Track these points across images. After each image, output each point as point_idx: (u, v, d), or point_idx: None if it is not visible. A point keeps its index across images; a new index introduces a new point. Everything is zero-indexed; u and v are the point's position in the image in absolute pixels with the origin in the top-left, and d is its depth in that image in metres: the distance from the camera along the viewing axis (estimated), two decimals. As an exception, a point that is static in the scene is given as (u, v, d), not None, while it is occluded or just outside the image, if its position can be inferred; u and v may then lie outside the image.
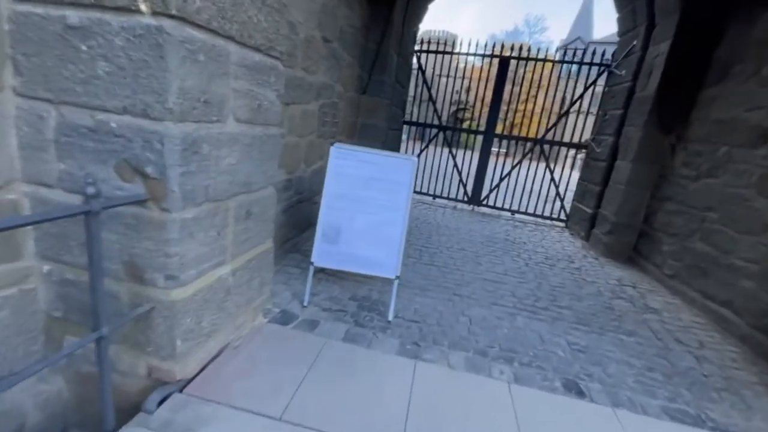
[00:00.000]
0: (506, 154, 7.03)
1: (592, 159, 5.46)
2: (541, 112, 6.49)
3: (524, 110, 6.44)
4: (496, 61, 6.10)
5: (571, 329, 2.73)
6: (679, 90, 3.96)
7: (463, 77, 7.35)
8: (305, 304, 2.46)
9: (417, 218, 5.38)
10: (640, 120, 4.29)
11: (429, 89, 6.41)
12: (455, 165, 6.55)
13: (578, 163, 6.51)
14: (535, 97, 6.22)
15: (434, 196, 6.85)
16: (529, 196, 6.47)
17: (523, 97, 6.45)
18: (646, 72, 4.38)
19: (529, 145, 6.29)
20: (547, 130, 6.03)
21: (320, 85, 3.30)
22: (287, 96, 2.73)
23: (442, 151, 6.77)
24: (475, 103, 6.86)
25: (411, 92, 6.73)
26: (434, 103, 6.53)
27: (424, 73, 6.42)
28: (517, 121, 7.20)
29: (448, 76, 7.19)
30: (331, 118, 3.72)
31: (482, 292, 3.15)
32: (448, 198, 6.78)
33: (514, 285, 3.39)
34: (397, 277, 2.46)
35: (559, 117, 5.87)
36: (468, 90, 8.40)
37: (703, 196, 3.54)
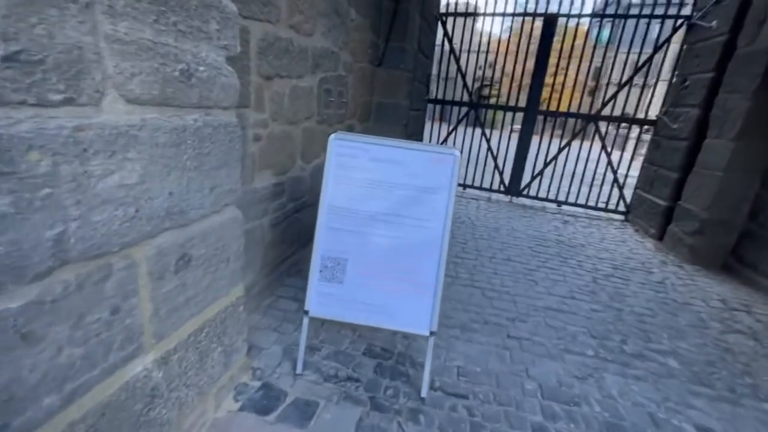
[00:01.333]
0: (542, 134, 5.94)
1: (666, 138, 4.39)
2: (588, 84, 5.37)
3: (564, 82, 5.31)
4: (533, 25, 5.04)
5: (688, 395, 1.85)
6: (814, 39, 2.87)
7: (487, 51, 6.15)
8: (299, 371, 1.69)
9: (447, 215, 4.50)
10: (748, 85, 3.22)
11: (458, 60, 5.42)
12: (489, 148, 5.58)
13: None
14: (578, 66, 5.13)
15: (464, 186, 5.94)
16: (580, 185, 5.45)
17: (559, 68, 5.31)
18: (755, 20, 3.27)
19: (580, 122, 5.24)
20: (604, 104, 4.95)
21: (318, 52, 2.44)
22: (267, 66, 1.90)
23: (473, 133, 5.79)
24: (504, 79, 5.78)
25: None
26: (464, 77, 5.54)
27: (451, 41, 5.41)
28: (546, 96, 6.13)
29: (469, 51, 6.06)
30: (337, 97, 2.87)
31: (546, 330, 2.29)
32: (480, 188, 5.84)
33: (586, 315, 2.51)
34: (433, 333, 1.64)
35: (621, 86, 4.77)
36: (492, 65, 7.18)
37: None
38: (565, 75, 5.22)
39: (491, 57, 5.78)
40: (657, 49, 4.54)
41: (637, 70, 4.65)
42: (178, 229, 1.10)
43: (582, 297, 2.76)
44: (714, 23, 3.83)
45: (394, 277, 1.65)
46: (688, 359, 2.15)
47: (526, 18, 5.11)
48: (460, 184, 5.94)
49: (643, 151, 5.10)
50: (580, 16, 4.85)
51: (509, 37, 6.96)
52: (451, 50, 5.41)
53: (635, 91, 4.91)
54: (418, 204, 1.65)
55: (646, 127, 4.89)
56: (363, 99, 3.55)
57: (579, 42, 5.16)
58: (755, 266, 3.22)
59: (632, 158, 5.01)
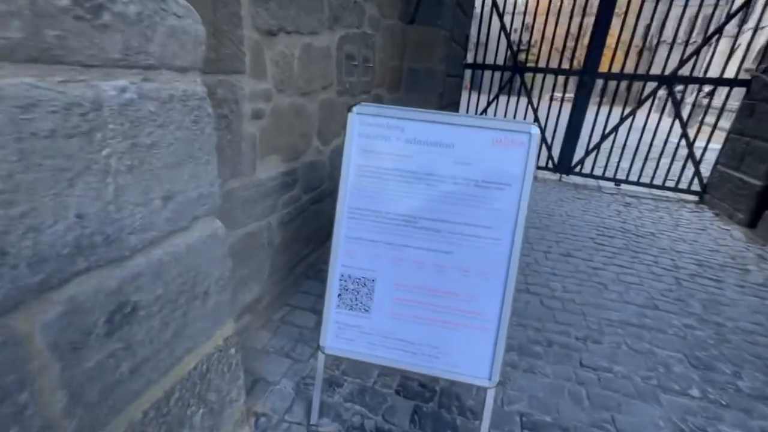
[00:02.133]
0: (600, 102, 5.14)
1: (763, 101, 3.57)
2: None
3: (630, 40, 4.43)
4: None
5: None
6: None
7: (535, 12, 5.26)
8: (314, 420, 1.31)
9: (487, 198, 3.96)
10: None
11: (501, 17, 4.68)
12: (536, 119, 4.89)
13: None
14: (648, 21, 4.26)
15: (505, 163, 5.30)
16: (645, 161, 4.68)
17: (625, 23, 4.43)
18: None
19: (651, 86, 4.43)
20: (682, 62, 4.10)
21: (337, 1, 1.92)
22: (267, 16, 1.43)
23: (517, 102, 5.10)
24: (545, 42, 4.96)
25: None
26: (508, 36, 4.80)
27: (493, -7, 4.65)
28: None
29: (514, 12, 5.23)
30: (362, 62, 2.36)
31: (629, 356, 1.79)
32: (524, 165, 5.19)
33: (678, 334, 1.98)
34: (495, 384, 1.20)
35: (707, 39, 3.91)
36: (532, 27, 6.21)
37: None
38: (633, 32, 4.35)
39: (529, 18, 4.98)
40: (759, -12, 3.63)
41: (730, 17, 3.76)
42: (106, 268, 0.69)
43: (667, 307, 2.21)
44: None
45: (441, 306, 1.20)
46: (831, 403, 1.60)
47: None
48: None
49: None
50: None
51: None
52: (494, 5, 4.66)
53: (712, 47, 4.03)
54: (475, 204, 1.16)
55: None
56: (392, 63, 3.01)
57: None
58: None
59: (713, 129, 4.17)
